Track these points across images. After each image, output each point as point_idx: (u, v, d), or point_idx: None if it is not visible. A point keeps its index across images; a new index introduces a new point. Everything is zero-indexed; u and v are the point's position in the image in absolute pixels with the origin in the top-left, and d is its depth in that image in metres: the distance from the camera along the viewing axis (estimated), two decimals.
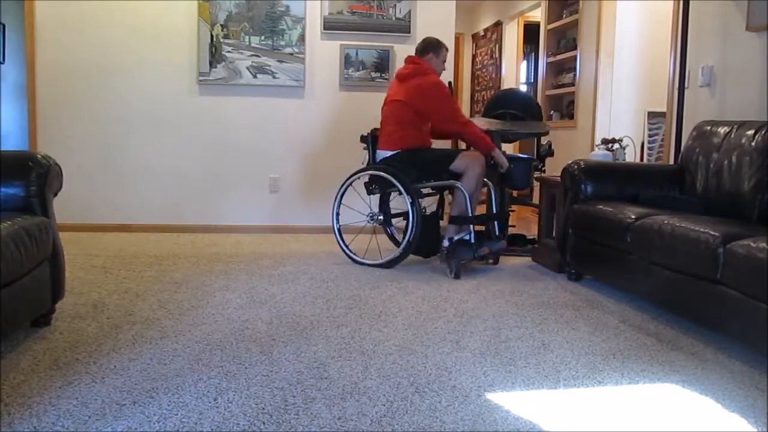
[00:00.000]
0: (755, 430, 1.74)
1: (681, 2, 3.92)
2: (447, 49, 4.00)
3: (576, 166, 3.48)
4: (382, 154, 3.81)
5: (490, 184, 3.91)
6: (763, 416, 1.82)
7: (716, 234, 2.36)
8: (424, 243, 3.73)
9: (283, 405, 1.81)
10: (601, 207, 3.21)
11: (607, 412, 1.83)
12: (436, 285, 3.30)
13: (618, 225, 2.96)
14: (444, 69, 4.00)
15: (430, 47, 3.91)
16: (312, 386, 1.95)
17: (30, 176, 2.36)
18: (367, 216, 3.94)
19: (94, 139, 4.81)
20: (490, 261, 3.89)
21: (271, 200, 5.00)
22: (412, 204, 3.59)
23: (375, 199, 4.09)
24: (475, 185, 3.63)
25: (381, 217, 3.95)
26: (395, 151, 3.77)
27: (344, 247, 3.89)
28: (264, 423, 1.70)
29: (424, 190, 3.83)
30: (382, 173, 3.71)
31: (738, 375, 2.14)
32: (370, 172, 3.79)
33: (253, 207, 4.98)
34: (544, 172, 4.60)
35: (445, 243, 3.61)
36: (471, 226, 3.59)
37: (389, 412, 1.78)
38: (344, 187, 3.91)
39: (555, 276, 3.59)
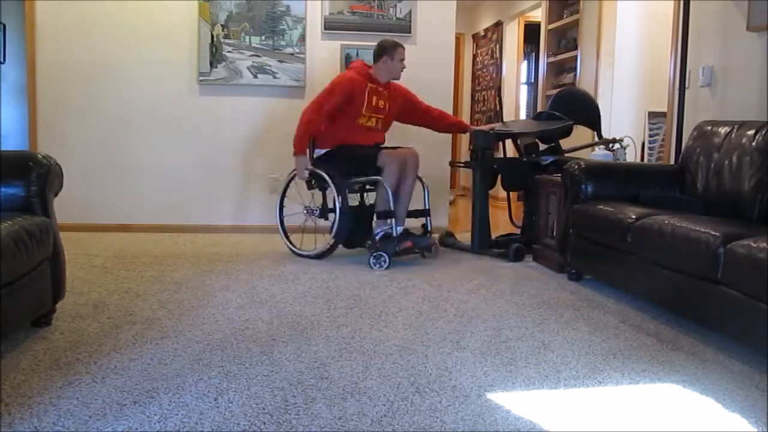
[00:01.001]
0: (755, 430, 1.74)
1: (681, 2, 3.92)
2: (402, 47, 4.05)
3: (576, 166, 3.48)
4: (319, 152, 4.03)
5: (425, 182, 4.08)
6: (763, 416, 1.82)
7: (717, 234, 2.36)
8: (354, 235, 3.98)
9: (284, 405, 1.81)
10: (601, 207, 3.21)
11: (608, 412, 1.83)
12: (436, 285, 3.30)
13: (618, 225, 2.96)
14: (403, 67, 4.07)
15: (383, 51, 4.02)
16: (312, 386, 1.95)
17: (30, 176, 2.36)
18: (304, 209, 4.09)
19: (95, 139, 4.81)
20: (418, 253, 3.97)
21: (271, 200, 4.99)
22: (335, 199, 3.83)
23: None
24: (394, 180, 3.80)
25: (316, 211, 4.07)
26: (326, 150, 4.01)
27: (285, 239, 4.12)
28: (264, 423, 1.70)
29: (362, 186, 4.06)
30: (316, 170, 3.93)
31: (738, 375, 2.14)
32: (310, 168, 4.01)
33: (253, 207, 4.98)
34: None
35: (376, 237, 3.81)
36: (393, 220, 3.76)
37: (390, 412, 1.78)
38: (287, 183, 4.15)
39: (555, 276, 3.59)
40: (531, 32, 7.44)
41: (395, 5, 4.95)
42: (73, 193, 4.46)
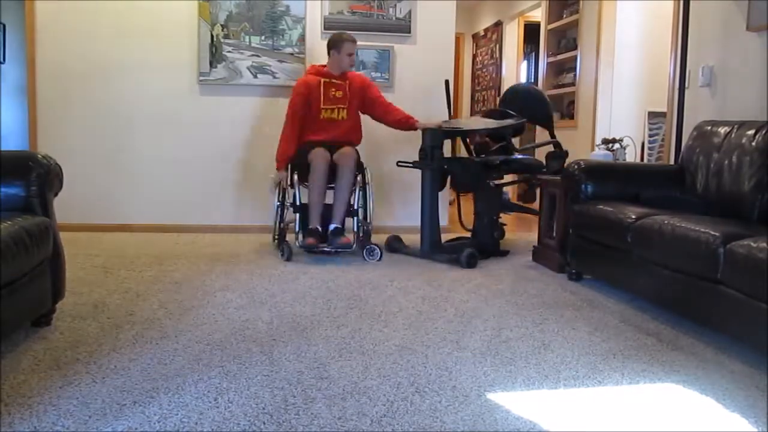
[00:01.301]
0: (755, 430, 1.74)
1: (681, 2, 3.92)
2: (352, 41, 4.12)
3: (576, 166, 3.48)
4: None
5: (364, 179, 4.05)
6: (763, 416, 1.82)
7: (716, 234, 2.36)
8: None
9: (284, 405, 1.81)
10: (601, 207, 3.21)
11: (608, 412, 1.83)
12: (436, 285, 3.30)
13: (618, 225, 2.96)
14: (352, 64, 4.17)
15: (330, 45, 4.14)
16: (312, 386, 1.95)
17: (30, 176, 2.36)
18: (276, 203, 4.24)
19: (95, 139, 4.81)
20: (338, 252, 3.90)
21: (271, 200, 4.99)
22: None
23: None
24: (314, 179, 3.89)
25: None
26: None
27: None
28: (264, 423, 1.70)
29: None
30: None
31: (738, 375, 2.14)
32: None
33: (253, 207, 4.97)
34: (535, 180, 4.45)
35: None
36: (297, 216, 3.94)
37: (389, 412, 1.78)
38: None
39: (555, 276, 3.59)
40: (531, 32, 7.45)
41: (395, 5, 4.95)
42: (73, 193, 4.46)
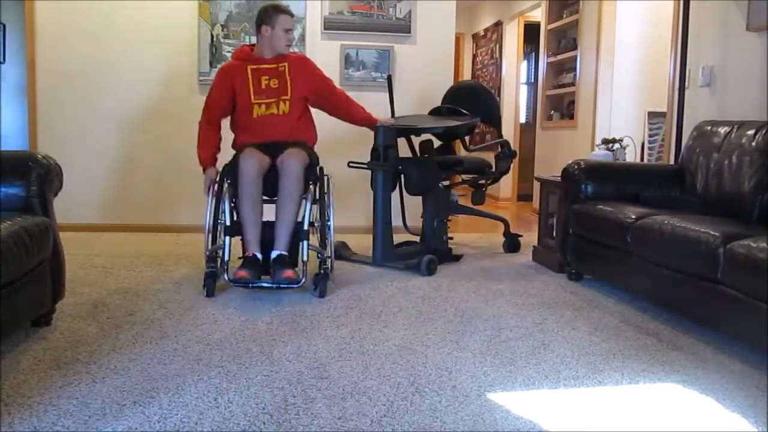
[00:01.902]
0: (755, 430, 1.74)
1: (681, 2, 3.92)
2: (289, 15, 3.27)
3: (576, 166, 3.48)
4: None
5: (306, 194, 3.12)
6: (763, 416, 1.82)
7: (716, 234, 2.36)
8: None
9: (284, 405, 1.81)
10: (601, 207, 3.21)
11: (608, 411, 1.83)
12: (436, 285, 3.30)
13: (618, 225, 2.96)
14: (289, 43, 3.31)
15: (261, 19, 3.24)
16: (312, 386, 1.95)
17: (30, 176, 2.36)
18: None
19: (94, 139, 4.81)
20: (281, 287, 2.97)
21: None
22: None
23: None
24: (243, 186, 3.02)
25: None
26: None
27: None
28: (264, 423, 1.70)
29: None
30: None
31: (738, 375, 2.14)
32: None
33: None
34: (494, 181, 4.31)
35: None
36: (226, 239, 3.03)
37: (389, 412, 1.78)
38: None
39: (555, 276, 3.59)
40: (531, 32, 7.45)
41: (395, 5, 4.95)
42: (73, 193, 4.46)
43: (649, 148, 4.97)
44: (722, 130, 3.29)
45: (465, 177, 4.28)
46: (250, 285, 2.95)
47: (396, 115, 4.13)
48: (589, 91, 5.54)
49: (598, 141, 4.45)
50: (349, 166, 3.78)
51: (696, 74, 3.98)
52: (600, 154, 3.97)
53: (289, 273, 2.90)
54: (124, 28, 4.75)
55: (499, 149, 4.31)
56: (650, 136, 4.98)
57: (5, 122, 5.68)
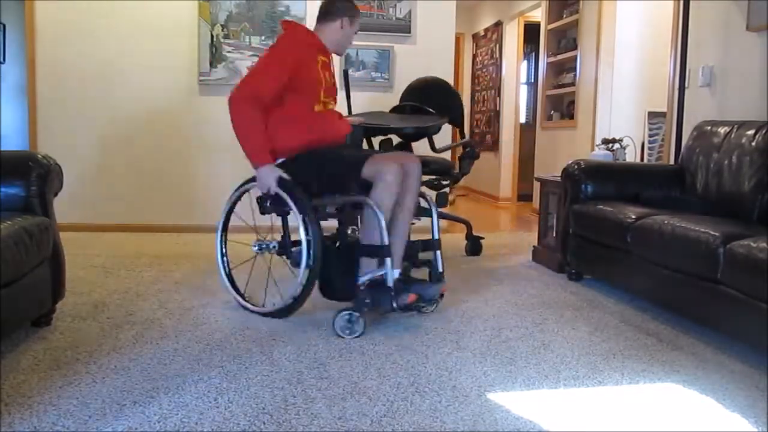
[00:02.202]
0: (755, 430, 1.74)
1: (681, 2, 3.92)
2: (358, 14, 2.87)
3: (576, 166, 3.48)
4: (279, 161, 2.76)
5: (430, 199, 2.81)
6: (763, 416, 1.82)
7: (716, 234, 2.36)
8: (333, 280, 2.66)
9: (284, 405, 1.81)
10: (601, 207, 3.21)
11: (608, 411, 1.83)
12: None
13: (618, 225, 2.96)
14: (349, 44, 2.93)
15: (343, 11, 2.80)
16: (312, 386, 1.95)
17: (30, 176, 2.36)
18: (254, 244, 2.87)
19: (94, 139, 4.81)
20: (424, 309, 2.76)
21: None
22: (306, 228, 2.58)
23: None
24: (391, 200, 2.54)
25: (275, 245, 2.81)
26: (282, 160, 2.73)
27: (230, 287, 2.88)
28: (264, 423, 1.70)
29: (330, 209, 2.80)
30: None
31: (738, 375, 2.14)
32: (253, 183, 2.77)
33: (254, 207, 4.96)
34: (455, 182, 4.08)
35: (359, 282, 2.51)
36: (388, 261, 2.48)
37: (389, 412, 1.78)
38: (233, 203, 2.97)
39: (555, 276, 3.59)
40: (531, 32, 7.45)
41: (395, 5, 4.95)
42: (73, 193, 4.47)
43: (649, 148, 4.97)
44: (722, 130, 3.29)
45: (424, 178, 3.88)
46: (421, 305, 2.62)
47: (352, 112, 3.78)
48: (589, 91, 5.54)
49: (598, 141, 4.45)
50: None
51: (696, 74, 3.98)
52: (600, 154, 3.98)
53: (443, 286, 2.67)
54: (124, 28, 4.75)
55: (463, 150, 4.09)
56: (650, 136, 4.97)
57: (5, 122, 5.68)
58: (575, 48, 5.81)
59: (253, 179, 2.77)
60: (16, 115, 5.64)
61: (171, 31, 4.79)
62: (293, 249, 2.73)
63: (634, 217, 2.90)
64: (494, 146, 7.76)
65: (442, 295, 2.74)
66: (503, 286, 3.31)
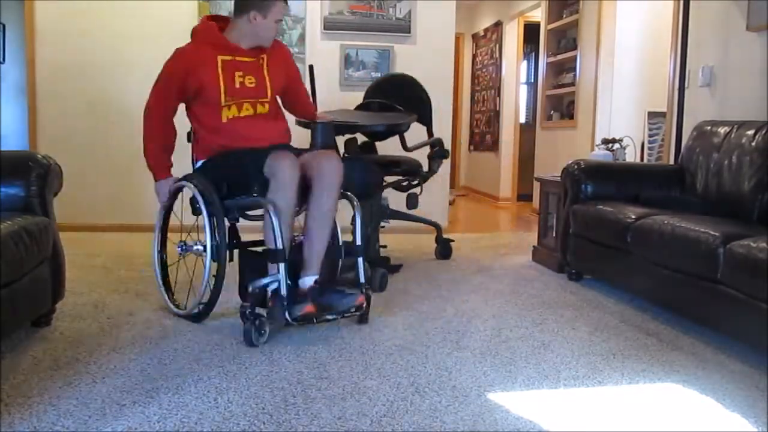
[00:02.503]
0: (755, 430, 1.74)
1: (681, 2, 3.93)
2: (284, 1, 2.65)
3: (576, 166, 3.48)
4: (197, 164, 2.78)
5: (353, 199, 2.63)
6: (763, 416, 1.82)
7: (716, 234, 2.36)
8: (241, 285, 2.68)
9: (283, 405, 1.81)
10: (601, 207, 3.21)
11: (608, 411, 1.83)
12: (435, 285, 3.30)
13: (618, 225, 2.96)
14: (277, 32, 2.71)
15: (250, 3, 2.59)
16: (312, 386, 1.95)
17: (30, 176, 2.36)
18: (178, 245, 2.78)
19: (94, 139, 4.81)
20: (336, 320, 2.53)
21: None
22: (212, 231, 2.57)
23: None
24: (288, 200, 2.40)
25: (199, 247, 2.67)
26: (202, 161, 2.72)
27: (162, 289, 2.82)
28: (264, 423, 1.70)
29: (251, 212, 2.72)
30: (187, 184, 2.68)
31: (738, 375, 2.14)
32: (180, 183, 2.72)
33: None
34: (423, 181, 3.83)
35: (249, 288, 2.41)
36: (282, 266, 2.35)
37: (389, 412, 1.78)
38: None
39: (555, 276, 3.59)
40: (531, 32, 7.45)
41: (395, 5, 4.95)
42: (73, 193, 4.46)
43: (649, 148, 4.97)
44: (722, 130, 3.29)
45: (392, 179, 3.77)
46: (327, 316, 2.43)
47: (318, 109, 3.41)
48: (589, 91, 5.54)
49: (598, 141, 4.45)
50: None
51: (696, 74, 3.98)
52: (600, 154, 3.98)
53: (360, 298, 2.50)
54: (123, 29, 4.75)
55: (432, 149, 3.88)
56: (650, 136, 4.98)
57: (5, 122, 5.68)
58: (575, 48, 5.81)
59: (185, 177, 2.73)
60: (15, 115, 5.64)
61: (171, 31, 4.78)
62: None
63: (634, 217, 2.90)
64: (494, 146, 7.76)
65: (360, 308, 2.49)
66: (503, 286, 3.31)
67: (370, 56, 4.98)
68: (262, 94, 2.68)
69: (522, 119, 7.86)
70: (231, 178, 2.57)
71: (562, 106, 6.27)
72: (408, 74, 4.09)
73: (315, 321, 2.40)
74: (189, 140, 2.82)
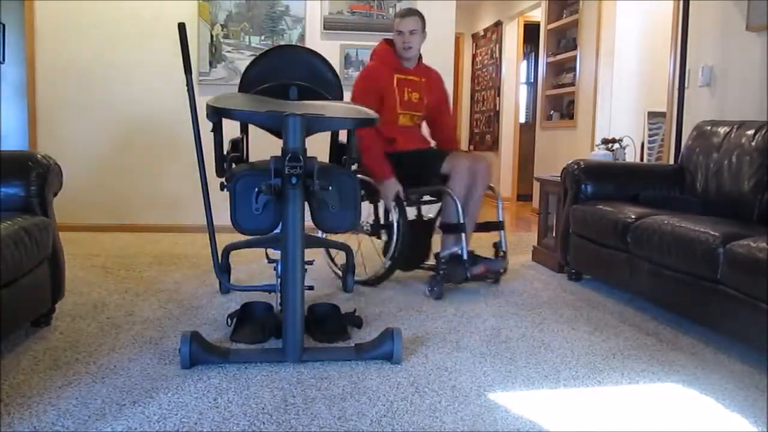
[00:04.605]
0: (755, 430, 1.74)
1: (681, 2, 3.93)
2: (400, 15, 3.30)
3: (576, 166, 3.48)
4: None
5: (497, 189, 3.45)
6: (763, 416, 1.82)
7: (716, 234, 2.36)
8: (412, 255, 3.27)
9: (283, 405, 1.81)
10: (601, 207, 3.21)
11: (608, 411, 1.83)
12: None
13: (618, 225, 2.96)
14: (404, 43, 3.28)
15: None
16: (312, 386, 1.95)
17: (30, 176, 2.36)
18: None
19: (94, 139, 4.81)
20: (489, 280, 3.35)
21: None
22: (392, 214, 3.17)
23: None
24: (464, 190, 3.16)
25: (366, 227, 3.30)
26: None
27: (330, 262, 3.48)
28: (264, 423, 1.70)
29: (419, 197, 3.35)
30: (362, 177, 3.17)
31: (738, 375, 2.14)
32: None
33: None
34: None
35: (441, 255, 3.12)
36: (463, 238, 3.07)
37: (389, 412, 1.78)
38: None
39: (555, 276, 3.59)
40: (530, 32, 7.45)
41: (395, 5, 4.95)
42: (73, 193, 4.47)
43: (649, 148, 4.97)
44: (722, 130, 3.29)
45: None
46: (488, 277, 3.26)
47: (192, 72, 2.89)
48: (588, 91, 5.54)
49: (597, 141, 4.45)
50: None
51: (696, 74, 3.98)
52: (600, 154, 3.98)
53: (506, 262, 3.24)
54: (123, 28, 4.75)
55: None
56: (650, 136, 4.97)
57: (5, 122, 5.68)
58: (575, 48, 5.81)
59: None
60: (16, 115, 5.64)
61: (171, 31, 4.79)
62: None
63: (634, 217, 2.90)
64: (494, 146, 7.76)
65: (505, 270, 3.27)
66: (503, 286, 3.31)
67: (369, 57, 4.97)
68: (418, 108, 3.34)
69: (522, 119, 7.86)
70: (410, 173, 3.18)
71: (561, 106, 6.27)
72: (307, 47, 3.46)
73: (486, 279, 3.27)
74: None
